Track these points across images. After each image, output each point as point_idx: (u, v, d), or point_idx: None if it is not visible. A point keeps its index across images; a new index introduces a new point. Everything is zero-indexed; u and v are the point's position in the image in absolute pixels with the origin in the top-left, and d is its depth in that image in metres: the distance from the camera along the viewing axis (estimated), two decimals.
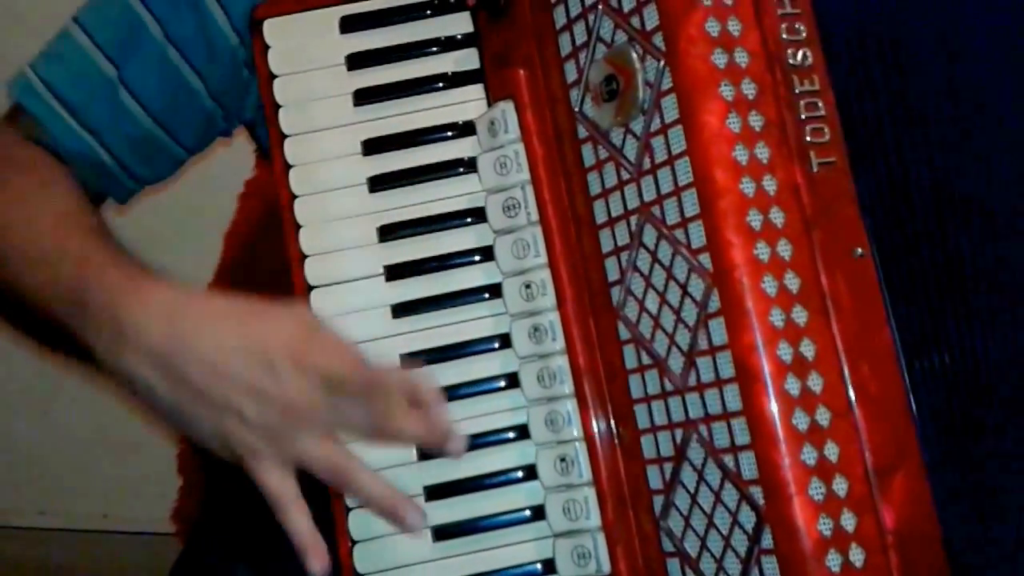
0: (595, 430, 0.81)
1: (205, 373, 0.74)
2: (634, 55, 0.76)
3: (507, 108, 0.84)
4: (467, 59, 0.87)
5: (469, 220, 0.86)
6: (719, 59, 0.73)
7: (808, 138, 0.74)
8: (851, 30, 0.77)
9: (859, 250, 0.74)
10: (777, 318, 0.71)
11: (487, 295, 0.85)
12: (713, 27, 0.73)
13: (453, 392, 0.84)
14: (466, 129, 0.86)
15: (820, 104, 0.75)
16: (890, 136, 0.76)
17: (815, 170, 0.74)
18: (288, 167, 0.85)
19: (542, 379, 0.82)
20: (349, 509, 0.83)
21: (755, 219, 0.72)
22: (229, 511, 1.03)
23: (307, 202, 0.85)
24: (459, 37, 0.88)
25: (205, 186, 1.37)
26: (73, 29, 0.92)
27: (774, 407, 0.70)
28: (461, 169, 0.86)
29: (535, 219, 0.83)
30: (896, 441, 0.73)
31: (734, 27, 0.73)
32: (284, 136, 0.86)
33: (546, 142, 0.83)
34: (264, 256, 1.09)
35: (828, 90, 0.75)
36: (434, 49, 0.88)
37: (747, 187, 0.72)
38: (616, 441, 0.81)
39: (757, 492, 0.71)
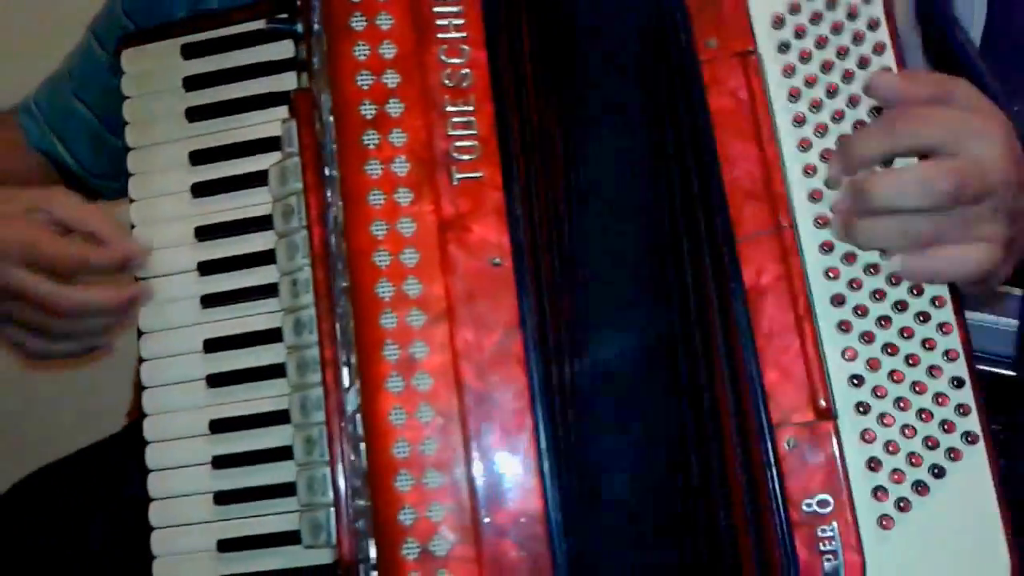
0: (334, 414, 0.89)
1: None
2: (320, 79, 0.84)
3: (291, 125, 0.93)
4: (287, 81, 0.98)
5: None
6: (363, 81, 0.81)
7: (454, 154, 0.79)
8: (524, 41, 0.80)
9: (497, 259, 0.78)
10: (388, 321, 0.77)
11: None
12: (362, 51, 0.80)
13: (248, 377, 0.95)
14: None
15: (473, 121, 0.80)
16: (550, 144, 0.79)
17: (456, 183, 0.79)
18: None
19: (300, 368, 0.91)
20: (148, 471, 0.97)
21: (379, 228, 0.79)
22: None
23: (140, 206, 0.99)
24: (281, 61, 0.98)
25: None
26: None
27: (378, 402, 0.76)
28: None
29: (304, 224, 0.92)
30: (511, 448, 0.76)
31: (387, 51, 0.81)
32: (128, 149, 1.00)
33: (315, 155, 0.92)
34: None
35: (486, 106, 0.80)
36: (264, 72, 0.99)
37: (375, 199, 0.79)
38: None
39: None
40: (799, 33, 0.85)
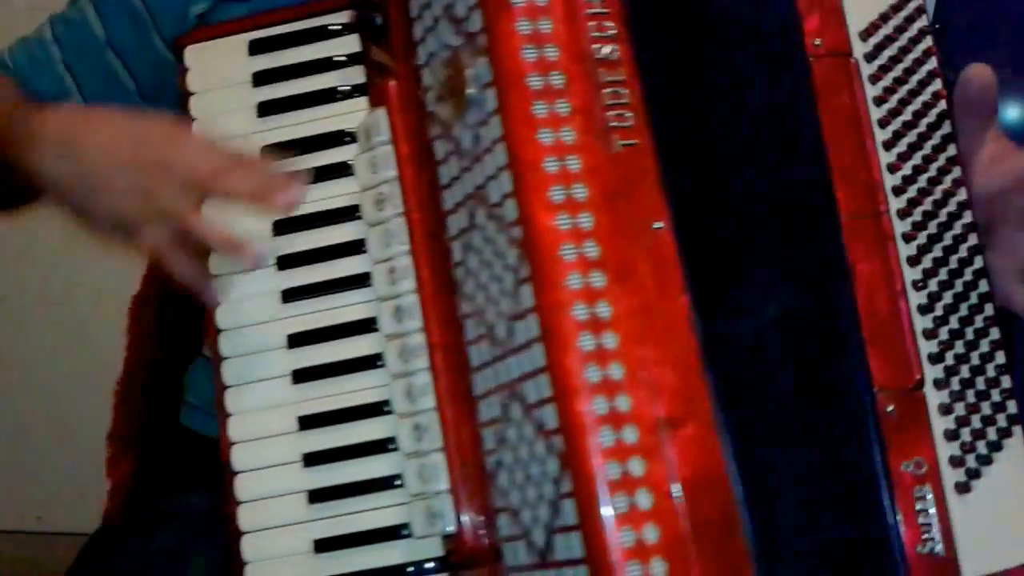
0: (445, 400, 0.89)
1: (95, 152, 0.91)
2: (465, 55, 0.85)
3: (380, 114, 0.94)
4: (355, 75, 0.98)
5: (356, 216, 0.95)
6: (529, 54, 0.81)
7: (612, 122, 0.82)
8: (659, 23, 0.85)
9: (658, 223, 0.81)
10: (575, 281, 0.78)
11: (369, 282, 0.94)
12: (525, 26, 0.82)
13: (333, 369, 0.93)
14: (354, 136, 0.96)
15: (625, 92, 0.83)
16: (689, 121, 0.84)
17: (618, 150, 0.82)
18: None
19: (402, 355, 0.91)
20: (235, 473, 0.92)
21: (558, 193, 0.79)
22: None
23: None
24: (347, 57, 0.98)
25: None
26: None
27: (569, 360, 0.77)
28: (349, 171, 0.96)
29: (400, 211, 0.92)
30: (687, 396, 0.79)
31: (545, 26, 0.82)
32: None
33: (410, 142, 0.92)
34: None
35: (634, 79, 0.83)
36: (329, 67, 0.98)
37: (551, 165, 0.80)
38: (462, 409, 0.88)
39: (558, 440, 0.78)
40: (882, 45, 0.94)
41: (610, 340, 0.78)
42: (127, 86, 1.10)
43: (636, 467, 0.76)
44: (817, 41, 0.90)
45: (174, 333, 1.20)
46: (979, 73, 0.90)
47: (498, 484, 0.84)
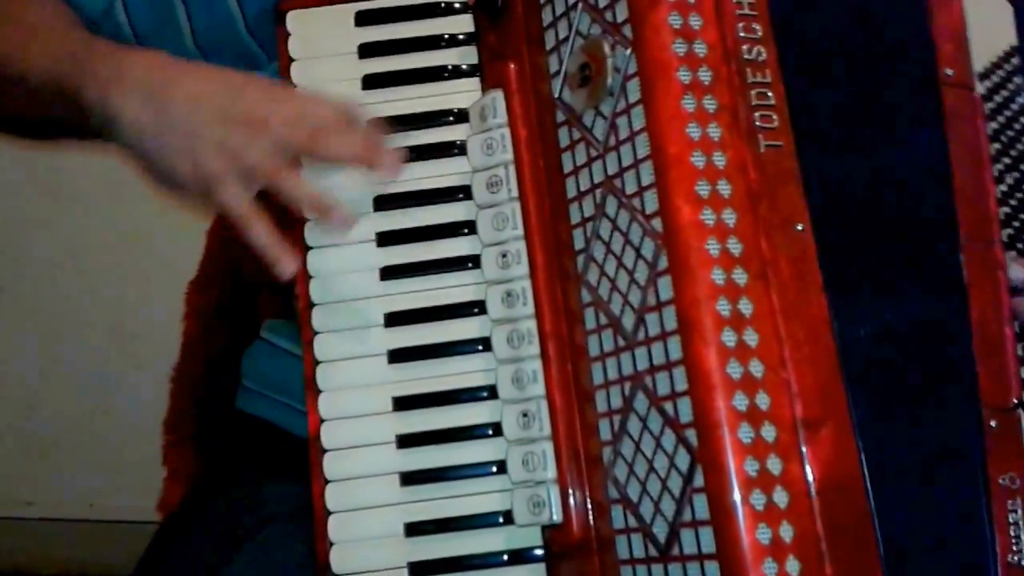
0: (556, 388, 0.88)
1: (184, 101, 0.86)
2: (606, 44, 0.84)
3: (497, 96, 0.93)
4: (467, 55, 0.97)
5: (460, 197, 0.94)
6: (679, 47, 0.81)
7: (758, 123, 0.82)
8: (803, 31, 0.85)
9: (800, 225, 0.82)
10: (718, 277, 0.78)
11: (471, 265, 0.92)
12: (675, 20, 0.82)
13: (433, 351, 0.92)
14: (461, 117, 0.95)
15: (770, 94, 0.83)
16: (833, 126, 0.84)
17: (763, 151, 0.82)
18: None
19: (512, 340, 0.89)
20: (324, 451, 0.90)
21: (703, 188, 0.79)
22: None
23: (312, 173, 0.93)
24: (461, 36, 0.97)
25: None
26: None
27: (711, 355, 0.77)
28: (455, 151, 0.94)
29: (515, 195, 0.91)
30: (825, 398, 0.79)
31: (695, 22, 0.82)
32: None
33: (529, 126, 0.92)
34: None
35: (779, 83, 0.83)
36: (438, 44, 0.97)
37: (698, 159, 0.80)
38: (574, 399, 0.87)
39: (692, 435, 0.78)
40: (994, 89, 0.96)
41: (751, 337, 0.78)
42: (182, 29, 1.04)
43: (774, 465, 0.76)
44: (949, 71, 0.92)
45: (233, 318, 1.17)
46: None
47: (614, 475, 0.84)
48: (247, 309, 1.20)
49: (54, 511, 2.20)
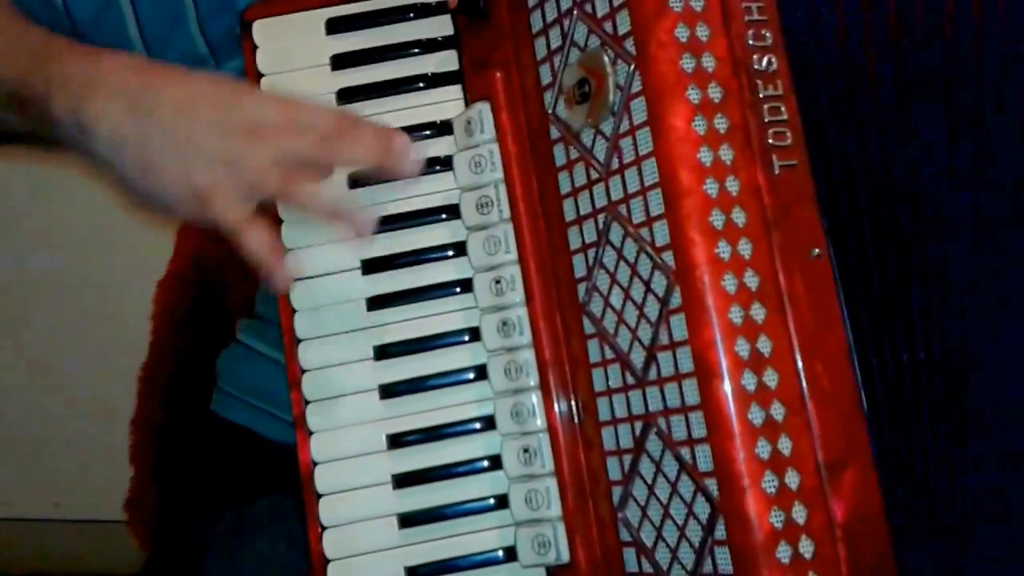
0: (558, 422, 0.83)
1: (173, 108, 0.79)
2: (606, 59, 0.78)
3: (483, 108, 0.86)
4: (447, 61, 0.90)
5: (443, 216, 0.88)
6: (687, 63, 0.75)
7: (771, 141, 0.77)
8: (815, 38, 0.79)
9: (816, 250, 0.77)
10: (736, 315, 0.73)
11: (459, 290, 0.87)
12: (682, 32, 0.75)
13: (423, 383, 0.86)
14: (443, 128, 0.89)
15: (783, 108, 0.77)
16: (850, 141, 0.79)
17: (777, 172, 0.76)
18: None
19: (509, 372, 0.84)
20: (320, 495, 0.85)
21: (717, 219, 0.74)
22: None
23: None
24: (440, 39, 0.90)
25: None
26: None
27: (731, 402, 0.73)
28: (437, 167, 0.88)
29: (507, 216, 0.85)
30: (847, 436, 0.75)
31: (702, 33, 0.76)
32: None
33: (520, 142, 0.85)
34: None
35: (791, 95, 0.78)
36: (415, 51, 0.90)
37: (711, 188, 0.74)
38: (578, 433, 0.83)
39: (712, 484, 0.73)
40: None
41: (771, 378, 0.74)
42: (125, 17, 0.96)
43: (799, 514, 0.73)
44: None
45: (202, 318, 1.11)
46: None
47: (626, 517, 0.79)
48: (217, 308, 1.14)
49: (20, 511, 2.15)
